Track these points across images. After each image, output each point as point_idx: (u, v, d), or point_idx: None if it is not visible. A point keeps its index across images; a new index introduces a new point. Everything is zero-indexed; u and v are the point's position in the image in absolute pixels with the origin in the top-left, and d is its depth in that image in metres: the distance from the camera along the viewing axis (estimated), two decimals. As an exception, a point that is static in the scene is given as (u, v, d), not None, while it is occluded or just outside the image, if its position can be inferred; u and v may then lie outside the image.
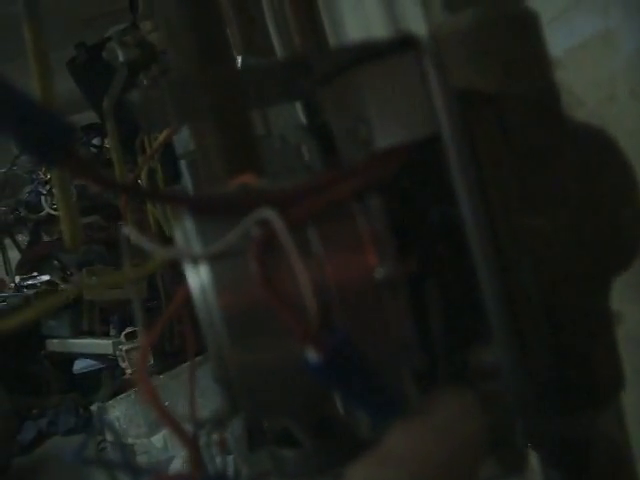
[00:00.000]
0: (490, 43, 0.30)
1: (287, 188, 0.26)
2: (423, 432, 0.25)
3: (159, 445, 1.79)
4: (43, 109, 0.23)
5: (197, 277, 0.25)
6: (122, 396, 1.93)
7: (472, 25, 0.30)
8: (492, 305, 0.28)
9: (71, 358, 2.79)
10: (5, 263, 3.26)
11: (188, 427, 0.28)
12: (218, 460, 0.30)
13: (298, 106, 0.42)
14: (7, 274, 3.24)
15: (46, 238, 3.12)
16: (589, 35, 0.54)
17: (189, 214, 0.26)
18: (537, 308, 0.30)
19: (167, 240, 0.28)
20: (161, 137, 0.74)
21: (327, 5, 1.09)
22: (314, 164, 0.37)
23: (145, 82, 1.22)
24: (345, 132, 0.30)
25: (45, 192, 2.99)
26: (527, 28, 0.31)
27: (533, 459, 0.33)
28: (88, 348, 2.62)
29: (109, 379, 2.54)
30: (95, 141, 2.97)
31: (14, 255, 3.25)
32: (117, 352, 2.20)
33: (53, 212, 2.93)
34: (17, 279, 3.08)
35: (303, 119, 0.40)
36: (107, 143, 2.79)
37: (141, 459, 1.76)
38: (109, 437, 1.78)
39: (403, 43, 0.28)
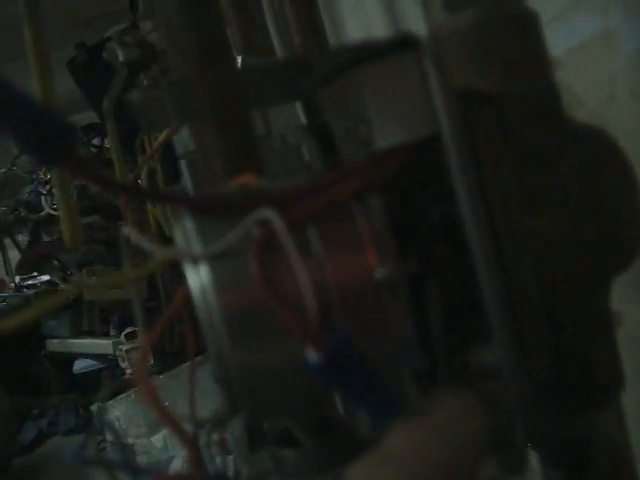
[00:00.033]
0: (490, 43, 0.30)
1: (287, 188, 0.26)
2: (423, 432, 0.25)
3: (159, 445, 1.79)
4: (43, 109, 0.23)
5: (197, 277, 0.25)
6: (122, 396, 1.93)
7: (472, 25, 0.30)
8: (492, 305, 0.28)
9: (71, 358, 2.78)
10: (5, 263, 3.26)
11: (188, 427, 0.28)
12: (218, 460, 0.30)
13: (298, 106, 0.42)
14: (7, 274, 3.24)
15: (46, 238, 3.11)
16: (589, 35, 0.54)
17: (189, 214, 0.26)
18: (537, 308, 0.30)
19: (167, 240, 0.28)
20: (161, 137, 0.74)
21: (327, 5, 1.09)
22: (314, 164, 0.37)
23: (145, 82, 1.22)
24: (345, 132, 0.30)
25: (45, 192, 2.99)
26: (527, 28, 0.31)
27: (533, 459, 0.33)
28: (88, 348, 2.62)
29: (109, 379, 2.54)
30: (95, 141, 2.97)
31: (14, 255, 3.25)
32: (117, 352, 2.20)
33: (53, 212, 2.93)
34: (17, 279, 3.08)
35: (303, 119, 0.40)
36: (107, 143, 2.79)
37: (141, 459, 1.76)
38: (109, 437, 1.78)
39: (403, 43, 0.28)
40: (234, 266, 0.25)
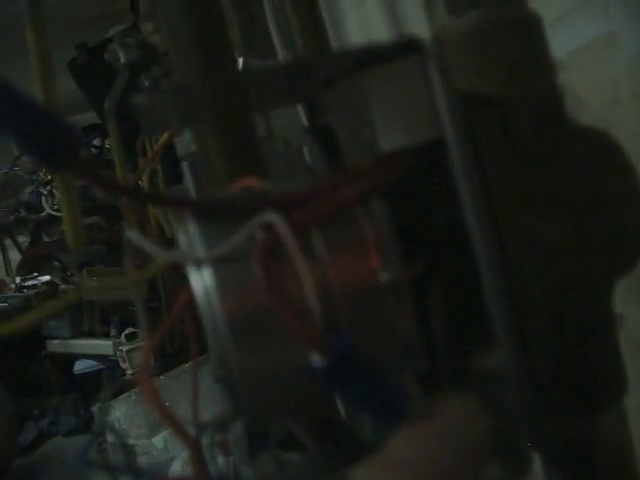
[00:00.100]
0: (493, 46, 0.30)
1: (291, 192, 0.26)
2: (427, 436, 0.25)
3: (160, 446, 1.79)
4: (46, 112, 0.23)
5: (201, 281, 0.25)
6: (123, 397, 1.92)
7: (475, 28, 0.30)
8: (496, 308, 0.28)
9: (71, 359, 2.78)
10: (6, 264, 3.26)
11: (191, 429, 0.28)
12: (220, 462, 0.30)
13: (299, 108, 0.42)
14: (8, 275, 3.24)
15: (46, 239, 3.11)
16: (592, 37, 0.54)
17: (193, 217, 0.26)
18: (540, 310, 0.30)
19: (168, 241, 0.27)
20: (162, 139, 0.74)
21: (328, 5, 1.09)
22: (316, 166, 0.37)
23: (146, 83, 1.22)
24: (349, 135, 0.30)
25: (46, 193, 2.99)
26: (530, 31, 0.31)
27: (536, 462, 0.33)
28: (88, 349, 2.62)
29: (109, 380, 2.54)
30: (96, 142, 2.97)
31: (15, 256, 3.25)
32: (117, 353, 2.20)
33: (54, 213, 2.93)
34: (18, 279, 3.08)
35: (304, 120, 0.40)
36: (107, 144, 2.79)
37: (141, 460, 1.76)
38: (110, 438, 1.78)
39: (407, 47, 0.28)
40: (238, 270, 0.25)
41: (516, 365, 0.29)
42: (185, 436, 0.27)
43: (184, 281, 0.26)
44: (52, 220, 2.98)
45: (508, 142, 0.30)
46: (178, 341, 1.84)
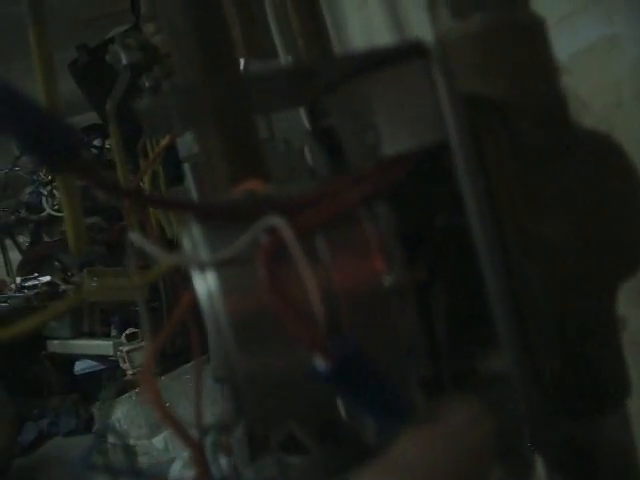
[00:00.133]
0: (497, 49, 0.30)
1: (295, 195, 0.26)
2: (431, 439, 0.25)
3: (160, 446, 1.78)
4: (48, 113, 0.23)
5: (205, 284, 0.25)
6: (123, 397, 1.92)
7: (479, 31, 0.30)
8: (499, 311, 0.28)
9: (72, 359, 2.78)
10: (6, 264, 3.26)
11: (193, 430, 0.28)
12: (223, 463, 0.30)
13: (301, 110, 0.42)
14: (8, 275, 3.24)
15: (47, 239, 3.11)
16: (594, 39, 0.54)
17: (196, 220, 0.26)
18: (543, 313, 0.30)
19: (169, 242, 0.27)
20: (164, 141, 0.74)
21: (330, 6, 1.09)
22: (318, 168, 0.37)
23: (147, 84, 1.22)
24: (353, 139, 0.30)
25: (46, 193, 2.99)
26: (534, 34, 0.31)
27: (539, 465, 0.33)
28: (89, 349, 2.61)
29: (110, 380, 2.54)
30: (96, 142, 2.97)
31: (15, 256, 3.25)
32: (118, 353, 2.20)
33: (54, 213, 2.93)
34: (18, 280, 3.08)
35: (306, 123, 0.40)
36: (107, 144, 2.79)
37: (142, 460, 1.76)
38: (110, 439, 1.78)
39: (411, 50, 0.28)
40: (242, 273, 0.25)
41: (519, 368, 0.29)
42: (186, 437, 0.27)
43: (186, 283, 0.26)
44: (52, 220, 2.98)
45: (512, 145, 0.30)
46: (179, 341, 1.84)
